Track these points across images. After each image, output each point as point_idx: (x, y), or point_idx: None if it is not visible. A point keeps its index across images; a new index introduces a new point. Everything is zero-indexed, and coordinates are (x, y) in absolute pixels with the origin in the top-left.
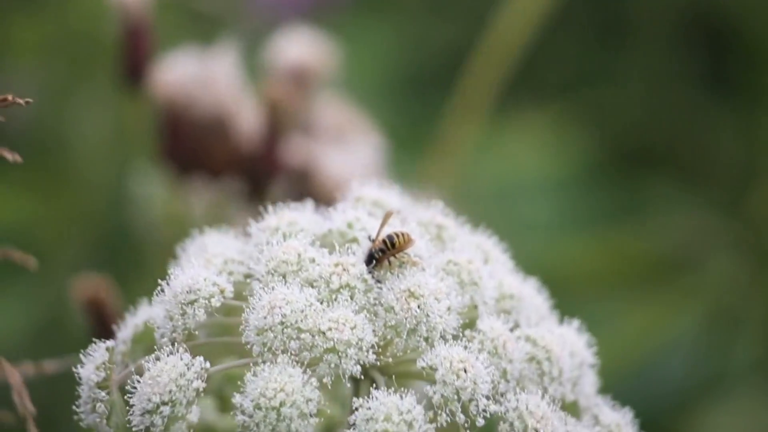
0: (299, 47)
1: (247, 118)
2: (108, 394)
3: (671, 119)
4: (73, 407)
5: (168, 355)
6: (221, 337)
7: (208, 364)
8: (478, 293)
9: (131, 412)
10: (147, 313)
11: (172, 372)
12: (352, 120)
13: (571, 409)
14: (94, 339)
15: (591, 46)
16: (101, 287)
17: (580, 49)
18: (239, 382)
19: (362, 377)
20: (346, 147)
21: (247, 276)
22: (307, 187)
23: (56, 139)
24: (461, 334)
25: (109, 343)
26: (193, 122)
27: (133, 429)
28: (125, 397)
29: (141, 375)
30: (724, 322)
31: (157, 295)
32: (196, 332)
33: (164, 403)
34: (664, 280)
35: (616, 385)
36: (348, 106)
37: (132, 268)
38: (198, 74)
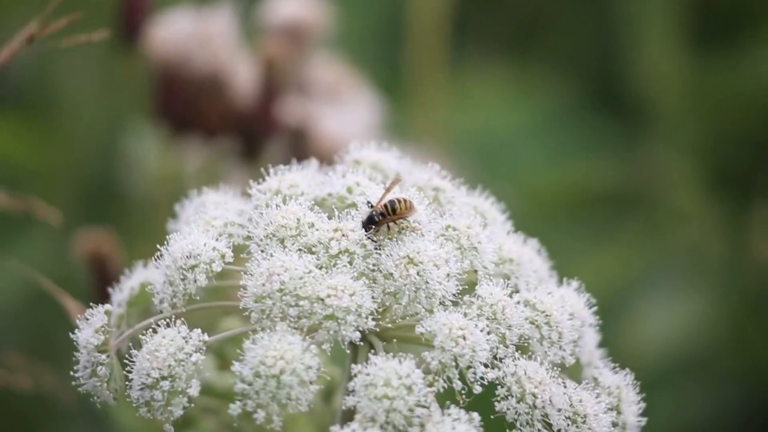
0: (294, 5)
1: (242, 76)
2: (108, 357)
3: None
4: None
5: (165, 328)
6: (221, 297)
7: (206, 336)
8: (478, 258)
9: (130, 386)
10: (143, 276)
11: (170, 346)
12: (346, 78)
13: (573, 370)
14: (96, 294)
15: None
16: (104, 242)
17: None
18: (238, 350)
19: (361, 343)
20: (342, 106)
21: (248, 239)
22: (304, 147)
23: (49, 91)
24: (460, 300)
25: (107, 306)
26: (188, 80)
27: (133, 404)
28: (124, 370)
29: (137, 345)
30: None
31: (155, 259)
32: (197, 296)
33: (164, 378)
34: (630, 211)
35: None
36: (342, 64)
37: (121, 224)
38: (194, 32)
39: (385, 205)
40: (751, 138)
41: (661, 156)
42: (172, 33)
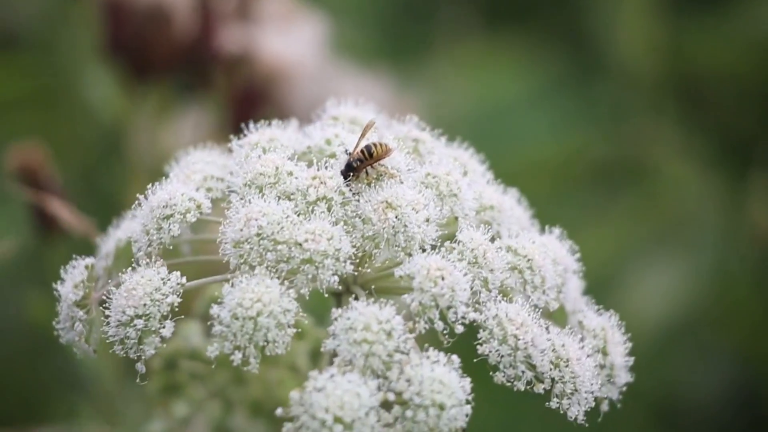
0: None
1: (186, 6)
2: (87, 312)
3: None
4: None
5: (145, 268)
6: (209, 252)
7: (184, 280)
8: (458, 204)
9: (107, 323)
10: (130, 228)
11: (147, 286)
12: (295, 9)
13: (558, 316)
14: (30, 209)
15: None
16: (33, 154)
17: None
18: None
19: (341, 288)
20: (288, 31)
21: (228, 190)
22: (249, 71)
23: (49, 53)
24: (441, 246)
25: (89, 260)
26: (133, 12)
27: (108, 341)
28: (103, 307)
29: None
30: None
31: (134, 208)
32: (172, 247)
33: (138, 317)
34: (628, 182)
35: None
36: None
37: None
38: None
39: (362, 150)
40: (744, 102)
41: (651, 126)
42: None
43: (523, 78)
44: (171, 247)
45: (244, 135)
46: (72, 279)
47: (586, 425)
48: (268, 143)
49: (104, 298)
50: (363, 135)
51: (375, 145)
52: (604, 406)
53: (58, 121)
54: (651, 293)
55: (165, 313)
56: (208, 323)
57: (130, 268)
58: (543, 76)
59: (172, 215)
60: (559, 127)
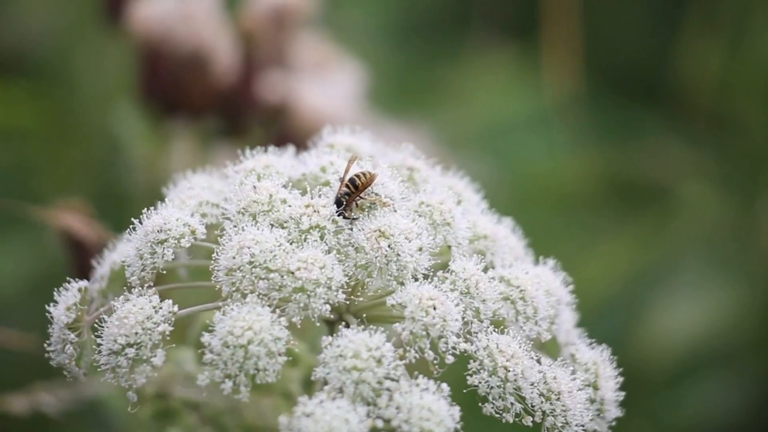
0: None
1: (225, 53)
2: (78, 335)
3: (652, 50)
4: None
5: (137, 297)
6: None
7: (176, 308)
8: (451, 234)
9: (99, 351)
10: (125, 250)
11: (139, 314)
12: (331, 56)
13: (551, 347)
14: (72, 268)
15: None
16: (77, 217)
17: None
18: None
19: (333, 316)
20: (326, 81)
21: (223, 216)
22: (287, 121)
23: (63, 79)
24: (433, 275)
25: (82, 283)
26: (171, 57)
27: (99, 369)
28: (96, 335)
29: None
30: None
31: (129, 232)
32: (166, 272)
33: (129, 345)
34: (642, 202)
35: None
36: (328, 43)
37: (123, 202)
38: (177, 9)
39: (347, 184)
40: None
41: (674, 146)
42: (155, 10)
43: (534, 96)
44: (165, 272)
45: (240, 161)
46: (65, 301)
47: None
48: (263, 170)
49: (96, 323)
50: (347, 170)
51: (359, 176)
52: None
53: (72, 149)
54: (666, 317)
55: (156, 342)
56: (200, 351)
57: (122, 297)
58: (555, 94)
59: (166, 240)
60: (572, 145)
